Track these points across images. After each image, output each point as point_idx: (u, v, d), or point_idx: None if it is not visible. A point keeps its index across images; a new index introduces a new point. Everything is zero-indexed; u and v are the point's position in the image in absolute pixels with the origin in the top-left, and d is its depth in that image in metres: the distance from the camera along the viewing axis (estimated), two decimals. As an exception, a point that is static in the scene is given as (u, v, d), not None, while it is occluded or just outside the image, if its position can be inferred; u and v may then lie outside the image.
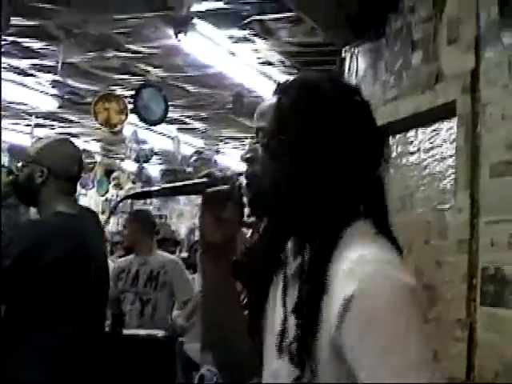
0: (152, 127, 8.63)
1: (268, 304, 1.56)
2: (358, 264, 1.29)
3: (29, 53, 6.46)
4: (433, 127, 3.53)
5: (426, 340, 1.25)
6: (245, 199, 1.55)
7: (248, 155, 1.57)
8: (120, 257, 7.06)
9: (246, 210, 1.58)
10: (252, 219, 1.74)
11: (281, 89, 1.51)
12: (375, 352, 1.22)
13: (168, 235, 9.21)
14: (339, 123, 1.42)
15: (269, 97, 1.63)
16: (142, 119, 7.21)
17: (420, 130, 3.65)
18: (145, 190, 1.57)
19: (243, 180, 1.53)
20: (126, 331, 4.93)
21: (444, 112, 3.35)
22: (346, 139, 1.41)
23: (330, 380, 1.32)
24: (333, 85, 1.49)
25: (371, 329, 1.23)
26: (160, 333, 5.02)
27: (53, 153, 3.03)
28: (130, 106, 7.25)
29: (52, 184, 2.97)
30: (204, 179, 1.52)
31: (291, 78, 1.58)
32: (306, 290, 1.37)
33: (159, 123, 7.44)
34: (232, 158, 11.18)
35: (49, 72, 7.03)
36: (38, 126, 9.16)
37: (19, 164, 3.13)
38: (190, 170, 11.78)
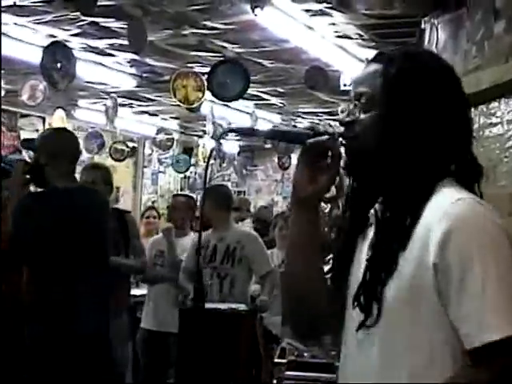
0: (229, 103, 8.64)
1: (354, 262, 1.66)
2: (454, 205, 1.47)
3: (107, 32, 6.52)
4: (517, 97, 3.45)
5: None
6: (342, 160, 1.64)
7: (348, 118, 1.64)
8: (197, 231, 7.10)
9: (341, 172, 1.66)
10: (332, 194, 1.83)
11: (384, 58, 1.65)
12: (475, 285, 1.38)
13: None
14: (439, 95, 1.59)
15: (363, 66, 1.72)
16: (217, 96, 7.21)
17: (503, 101, 3.56)
18: (250, 127, 1.63)
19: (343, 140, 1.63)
20: (207, 305, 4.97)
21: (528, 82, 3.27)
22: (443, 110, 1.58)
23: (399, 320, 1.48)
24: (434, 59, 1.69)
25: (468, 263, 1.40)
26: (241, 306, 5.05)
27: (51, 140, 3.98)
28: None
29: (52, 166, 3.79)
30: (308, 131, 1.64)
31: (390, 49, 1.78)
32: (387, 233, 1.54)
33: (236, 99, 7.43)
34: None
35: (127, 51, 7.08)
36: (118, 105, 9.24)
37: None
38: (268, 146, 11.79)
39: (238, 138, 13.18)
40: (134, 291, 6.46)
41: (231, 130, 1.92)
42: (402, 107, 1.56)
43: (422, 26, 4.58)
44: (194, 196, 10.75)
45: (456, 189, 1.55)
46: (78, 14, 5.72)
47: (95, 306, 3.72)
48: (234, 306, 5.06)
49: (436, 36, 4.37)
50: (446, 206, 1.47)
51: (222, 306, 4.98)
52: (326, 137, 1.61)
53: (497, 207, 3.43)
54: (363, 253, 1.62)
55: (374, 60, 1.68)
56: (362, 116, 1.62)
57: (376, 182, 1.63)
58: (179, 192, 12.87)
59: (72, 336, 3.56)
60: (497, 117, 3.59)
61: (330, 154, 1.63)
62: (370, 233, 1.63)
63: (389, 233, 1.53)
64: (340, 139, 1.63)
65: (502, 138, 3.52)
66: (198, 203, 7.72)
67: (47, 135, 4.30)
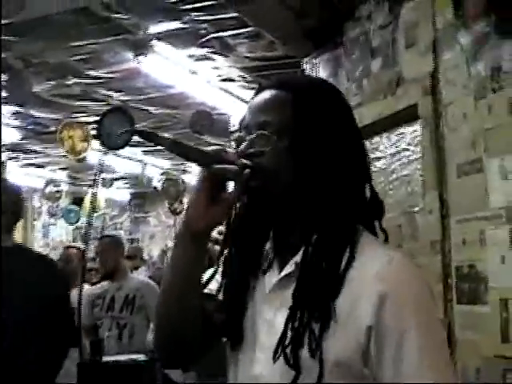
0: (117, 151, 8.59)
1: (248, 304, 1.54)
2: (388, 266, 1.38)
3: (-12, 85, 6.42)
4: (397, 131, 3.56)
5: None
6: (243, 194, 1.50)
7: (252, 150, 1.46)
8: (93, 284, 7.00)
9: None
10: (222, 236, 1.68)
11: (287, 85, 1.53)
12: (413, 350, 1.31)
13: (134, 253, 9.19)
14: (347, 125, 1.53)
15: (255, 92, 1.57)
16: (104, 145, 7.16)
17: (384, 135, 3.67)
18: (154, 132, 1.49)
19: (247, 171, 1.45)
20: (105, 358, 4.90)
21: (407, 116, 3.38)
22: (353, 142, 1.53)
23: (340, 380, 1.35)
24: (333, 88, 1.60)
25: (406, 327, 1.32)
26: (140, 357, 5.00)
27: None
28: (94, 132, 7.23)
29: None
30: (215, 153, 1.46)
31: (284, 75, 1.65)
32: (318, 291, 1.39)
33: (123, 147, 7.39)
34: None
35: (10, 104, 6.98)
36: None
37: None
38: (158, 190, 11.74)
39: (128, 186, 13.10)
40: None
41: (135, 132, 1.62)
42: (312, 139, 1.45)
43: (303, 66, 4.68)
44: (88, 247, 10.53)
45: (375, 240, 1.50)
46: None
47: None
48: (133, 356, 4.99)
49: (317, 75, 4.47)
50: (378, 265, 1.38)
51: (122, 358, 4.91)
52: (234, 167, 1.43)
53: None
54: (262, 292, 1.52)
55: (273, 87, 1.53)
56: (268, 148, 1.46)
57: (277, 218, 1.53)
58: (71, 243, 12.65)
59: None
60: (380, 151, 3.69)
61: (232, 185, 1.47)
62: (265, 268, 1.53)
63: (318, 281, 1.40)
64: (245, 175, 1.44)
65: (386, 172, 3.61)
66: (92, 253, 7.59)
67: None
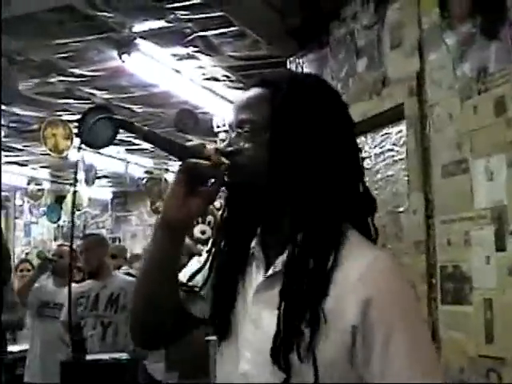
0: (100, 150, 8.56)
1: (236, 300, 1.55)
2: (373, 266, 1.38)
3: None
4: (382, 132, 3.58)
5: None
6: (223, 189, 1.52)
7: (231, 148, 1.48)
8: (77, 282, 6.99)
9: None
10: (208, 236, 1.70)
11: (270, 83, 1.52)
12: (399, 350, 1.31)
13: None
14: (329, 121, 1.49)
15: (243, 92, 1.57)
16: (86, 143, 7.14)
17: (369, 136, 3.68)
18: (130, 120, 1.48)
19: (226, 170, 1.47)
20: (88, 356, 4.88)
21: (392, 116, 3.40)
22: (335, 136, 1.49)
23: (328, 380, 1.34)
24: (321, 84, 1.58)
25: (392, 327, 1.32)
26: (123, 355, 4.98)
27: None
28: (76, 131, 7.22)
29: None
30: (192, 148, 1.48)
31: (273, 71, 1.64)
32: (305, 292, 1.38)
33: (106, 146, 7.38)
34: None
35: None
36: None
37: None
38: (141, 189, 11.71)
39: (110, 184, 13.06)
40: (12, 347, 6.27)
41: (108, 118, 1.56)
42: (292, 134, 1.44)
43: (288, 66, 4.68)
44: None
45: (362, 239, 1.48)
46: None
47: None
48: (116, 355, 4.98)
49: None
50: (363, 265, 1.37)
51: (104, 357, 4.89)
52: (208, 162, 1.44)
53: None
54: (249, 290, 1.52)
55: (257, 85, 1.54)
56: (247, 145, 1.47)
57: (259, 215, 1.54)
58: (64, 242, 12.63)
59: None
60: (365, 151, 3.70)
61: (208, 181, 1.48)
62: (252, 266, 1.55)
63: (304, 282, 1.38)
64: (222, 172, 1.46)
65: (371, 172, 3.63)
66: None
67: None
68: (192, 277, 1.61)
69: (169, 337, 1.65)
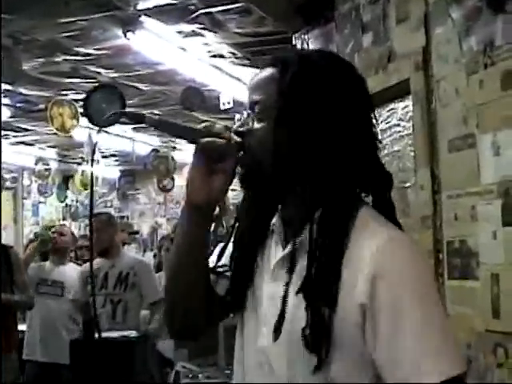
0: (106, 129, 8.56)
1: (254, 276, 1.57)
2: (385, 245, 1.37)
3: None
4: (388, 107, 3.56)
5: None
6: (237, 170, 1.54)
7: (242, 128, 1.51)
8: (85, 261, 7.03)
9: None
10: (216, 213, 1.71)
11: (279, 62, 1.52)
12: (410, 327, 1.30)
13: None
14: (340, 96, 1.48)
15: (256, 73, 1.58)
16: (93, 122, 7.14)
17: (376, 111, 3.66)
18: (140, 113, 1.52)
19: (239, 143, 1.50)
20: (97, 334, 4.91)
21: (398, 91, 3.38)
22: (347, 112, 1.48)
23: (346, 360, 1.36)
24: (332, 59, 1.56)
25: (402, 306, 1.31)
26: (132, 333, 5.01)
27: None
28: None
29: None
30: (201, 130, 1.51)
31: (286, 52, 1.61)
32: (323, 272, 1.38)
33: (113, 124, 7.37)
34: (189, 154, 10.99)
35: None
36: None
37: None
38: (149, 168, 11.72)
39: (118, 162, 13.07)
40: (22, 327, 6.32)
41: (122, 114, 1.66)
42: (299, 114, 1.44)
43: (293, 42, 4.66)
44: (78, 224, 10.51)
45: (376, 215, 1.48)
46: None
47: None
48: (125, 333, 5.00)
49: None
50: (375, 243, 1.37)
51: (114, 334, 4.92)
52: (222, 140, 1.48)
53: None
54: (267, 266, 1.55)
55: (269, 64, 1.54)
56: (257, 125, 1.50)
57: (276, 194, 1.55)
58: (61, 222, 12.68)
59: None
60: (371, 126, 3.68)
61: (225, 158, 1.50)
62: (271, 242, 1.57)
63: (323, 261, 1.39)
64: (236, 147, 1.50)
65: (378, 147, 3.60)
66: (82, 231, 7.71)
67: None
68: (220, 256, 1.64)
69: (205, 323, 1.66)
